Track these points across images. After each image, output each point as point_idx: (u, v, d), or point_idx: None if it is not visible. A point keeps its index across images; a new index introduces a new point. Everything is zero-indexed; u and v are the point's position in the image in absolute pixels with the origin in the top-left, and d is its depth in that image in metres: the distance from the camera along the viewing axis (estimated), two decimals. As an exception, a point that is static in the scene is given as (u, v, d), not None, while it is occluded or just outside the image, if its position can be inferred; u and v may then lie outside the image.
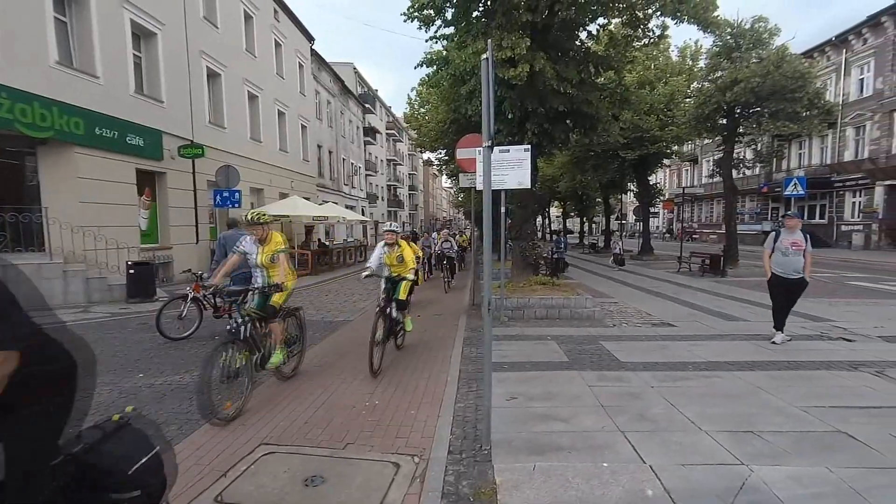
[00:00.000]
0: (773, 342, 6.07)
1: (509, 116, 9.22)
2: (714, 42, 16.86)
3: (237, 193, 13.14)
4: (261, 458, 3.21)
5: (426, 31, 9.28)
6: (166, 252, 13.06)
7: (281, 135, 21.04)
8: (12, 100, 8.82)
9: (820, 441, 3.32)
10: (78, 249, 9.97)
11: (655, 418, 3.74)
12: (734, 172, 19.11)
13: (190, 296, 6.89)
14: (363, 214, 33.21)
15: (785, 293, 6.08)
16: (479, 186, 6.84)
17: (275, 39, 20.50)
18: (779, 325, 6.18)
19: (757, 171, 29.45)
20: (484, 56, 3.25)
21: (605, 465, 3.00)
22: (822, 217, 27.53)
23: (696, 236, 39.12)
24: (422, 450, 3.29)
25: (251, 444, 3.40)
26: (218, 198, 13.03)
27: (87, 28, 10.70)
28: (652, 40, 10.38)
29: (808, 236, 5.91)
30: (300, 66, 23.55)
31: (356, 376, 4.97)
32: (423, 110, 21.87)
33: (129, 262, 10.08)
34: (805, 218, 28.10)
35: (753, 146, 19.56)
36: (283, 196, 19.39)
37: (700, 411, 3.85)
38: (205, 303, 7.13)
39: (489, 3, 8.82)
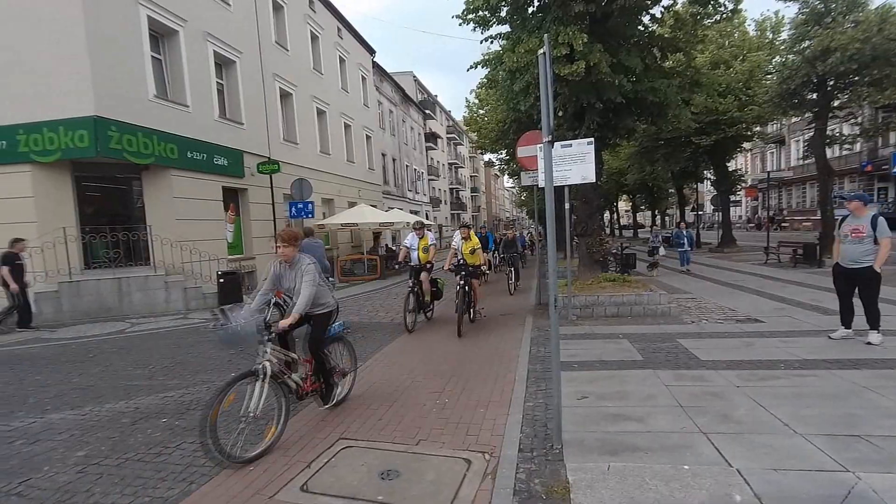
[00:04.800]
0: (830, 337, 5.62)
1: (559, 114, 9.01)
2: (799, 10, 15.34)
3: (310, 204, 13.99)
4: (340, 451, 3.41)
5: (481, 33, 9.33)
6: (250, 262, 14.16)
7: (348, 146, 22.03)
8: (121, 132, 10.04)
9: (943, 448, 2.94)
10: (177, 262, 11.10)
11: (741, 419, 3.50)
12: (829, 151, 17.19)
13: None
14: (427, 219, 33.82)
15: (844, 284, 5.52)
16: (542, 184, 6.76)
17: (339, 56, 21.55)
18: (842, 320, 5.63)
19: (858, 147, 26.28)
20: (541, 51, 3.23)
21: (685, 467, 2.86)
22: (942, 196, 23.99)
23: (786, 224, 35.63)
24: (492, 447, 3.32)
25: (331, 439, 3.62)
26: (293, 209, 13.94)
27: (178, 62, 11.92)
28: (724, 16, 9.68)
29: (877, 221, 5.17)
30: (363, 78, 24.53)
31: (426, 375, 5.11)
32: (481, 112, 21.96)
33: (219, 273, 11.06)
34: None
35: (853, 120, 17.47)
36: (352, 205, 20.30)
37: (793, 413, 3.54)
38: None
39: (544, -3, 8.70)
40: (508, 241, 12.86)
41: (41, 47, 9.55)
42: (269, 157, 14.99)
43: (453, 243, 8.20)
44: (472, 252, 7.99)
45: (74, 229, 10.29)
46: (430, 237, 8.06)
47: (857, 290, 5.44)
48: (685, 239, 13.92)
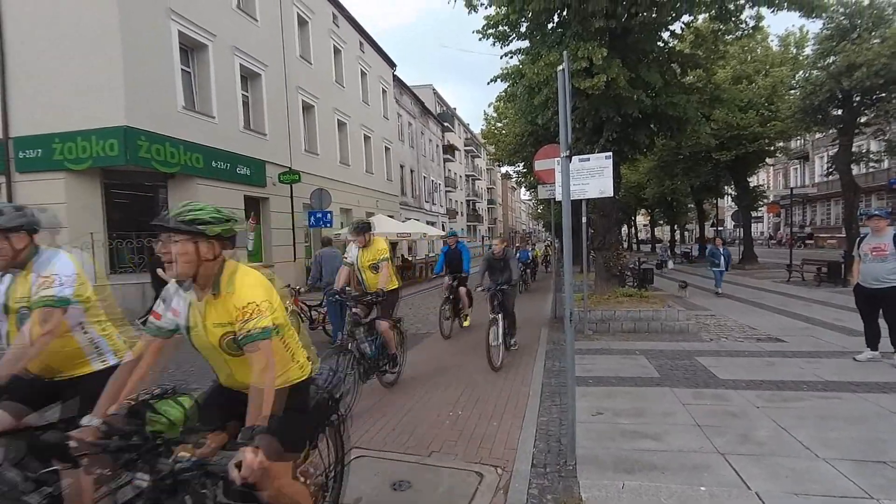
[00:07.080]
0: (855, 359, 5.47)
1: (576, 126, 9.01)
2: (824, 25, 15.16)
3: (329, 214, 14.22)
4: (352, 460, 3.43)
5: (501, 48, 9.43)
6: (269, 269, 14.39)
7: (367, 157, 22.36)
8: (150, 142, 10.39)
9: (975, 478, 2.83)
10: (198, 268, 11.34)
11: (761, 441, 3.42)
12: (856, 168, 16.82)
13: (289, 309, 7.52)
14: (443, 230, 33.94)
15: (866, 304, 5.38)
16: (559, 197, 6.76)
17: (360, 69, 21.99)
18: (868, 341, 5.48)
19: (886, 164, 25.63)
20: (560, 67, 3.28)
21: (702, 488, 2.81)
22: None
23: (811, 241, 34.75)
24: (505, 461, 3.31)
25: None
26: (312, 218, 14.18)
27: (206, 75, 12.33)
28: (746, 32, 9.62)
29: None
30: (383, 91, 24.96)
31: (439, 387, 5.11)
32: (500, 125, 22.11)
33: (239, 280, 11.25)
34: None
35: (881, 137, 17.09)
36: (370, 215, 20.51)
37: (816, 436, 3.45)
38: (302, 316, 7.77)
39: (564, 14, 8.77)
40: (494, 259, 6.44)
41: (78, 59, 9.98)
42: (290, 168, 15.30)
43: (347, 257, 5.03)
44: (374, 268, 4.83)
45: (102, 235, 10.63)
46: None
47: (881, 311, 5.31)
48: (721, 258, 11.74)
